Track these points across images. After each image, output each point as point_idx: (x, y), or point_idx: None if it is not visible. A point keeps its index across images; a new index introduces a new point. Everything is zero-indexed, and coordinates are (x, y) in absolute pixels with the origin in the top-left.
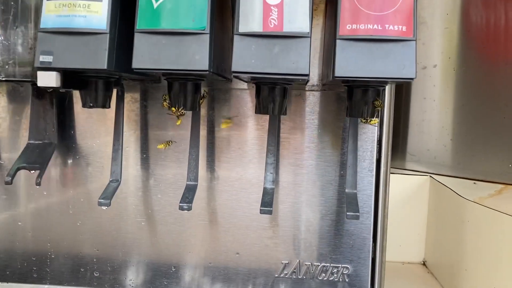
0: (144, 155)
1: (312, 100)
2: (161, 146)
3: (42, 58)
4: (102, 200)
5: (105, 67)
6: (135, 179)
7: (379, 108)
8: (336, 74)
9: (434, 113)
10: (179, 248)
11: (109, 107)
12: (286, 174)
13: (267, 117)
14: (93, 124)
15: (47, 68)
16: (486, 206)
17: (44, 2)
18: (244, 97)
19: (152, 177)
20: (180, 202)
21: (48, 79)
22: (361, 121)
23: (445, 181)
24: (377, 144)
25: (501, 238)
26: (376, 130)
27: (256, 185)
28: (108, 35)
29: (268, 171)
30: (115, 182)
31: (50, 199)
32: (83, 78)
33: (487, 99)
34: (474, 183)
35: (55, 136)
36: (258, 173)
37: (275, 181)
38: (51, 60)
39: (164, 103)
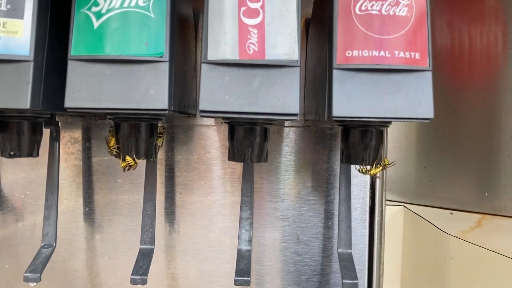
0: (87, 209)
1: (292, 138)
2: (123, 165)
3: None
4: (29, 275)
5: (27, 106)
6: (75, 238)
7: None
8: (334, 113)
9: (405, 139)
10: None
11: (37, 155)
12: (263, 228)
13: None
14: (21, 171)
15: None
16: (471, 243)
17: None
18: (211, 135)
19: (97, 234)
20: (132, 274)
21: None
22: (360, 171)
23: (420, 211)
24: (370, 189)
25: (490, 277)
26: None
27: (226, 243)
28: (32, 63)
29: (243, 228)
30: (48, 247)
31: None
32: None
33: (459, 125)
34: (451, 213)
35: None
36: (229, 227)
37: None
38: None
39: (111, 148)
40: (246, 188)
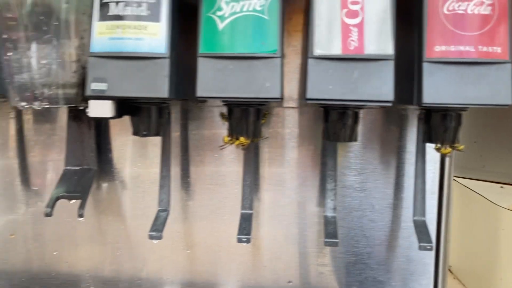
0: (188, 179)
1: (369, 119)
2: (236, 143)
3: (94, 85)
4: (153, 233)
5: (166, 95)
6: (178, 205)
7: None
8: (425, 101)
9: None
10: (228, 277)
11: (163, 135)
12: (342, 198)
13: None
14: (132, 148)
15: (99, 96)
16: None
17: (95, 23)
18: (295, 116)
19: (196, 201)
20: (238, 234)
21: (101, 109)
22: (437, 149)
23: (471, 185)
24: (440, 165)
25: None
26: None
27: (310, 210)
28: (168, 59)
29: (328, 198)
30: (164, 211)
31: (87, 227)
32: (134, 104)
33: None
34: (502, 186)
35: (94, 161)
36: (312, 196)
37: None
38: (104, 88)
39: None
40: (331, 163)
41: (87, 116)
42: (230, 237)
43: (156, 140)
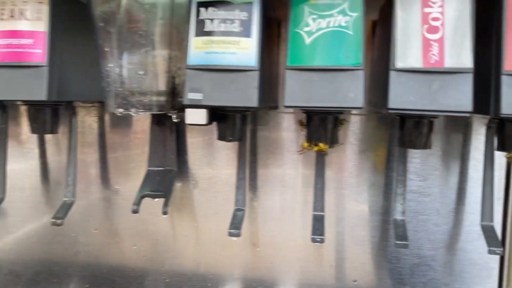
0: (254, 182)
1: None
2: (315, 149)
3: (191, 95)
4: (232, 231)
5: (256, 104)
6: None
7: None
8: (503, 111)
9: None
10: (295, 275)
11: (245, 140)
12: (408, 202)
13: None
14: (207, 150)
15: (194, 105)
16: None
17: (191, 39)
18: (360, 123)
19: (263, 203)
20: (313, 235)
21: (197, 117)
22: (506, 156)
23: None
24: (506, 172)
25: None
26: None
27: (372, 213)
28: (258, 72)
29: (398, 202)
30: (240, 211)
31: (164, 224)
32: (221, 112)
33: None
34: None
35: (175, 163)
36: (377, 200)
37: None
38: (200, 98)
39: (305, 144)
40: (401, 169)
41: (169, 121)
42: (296, 237)
43: (228, 144)
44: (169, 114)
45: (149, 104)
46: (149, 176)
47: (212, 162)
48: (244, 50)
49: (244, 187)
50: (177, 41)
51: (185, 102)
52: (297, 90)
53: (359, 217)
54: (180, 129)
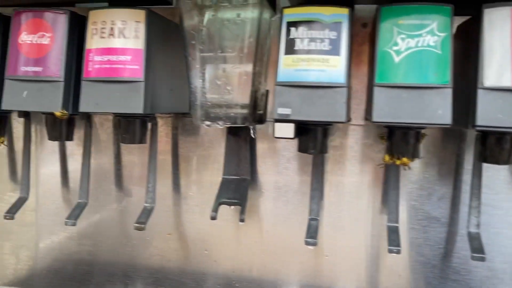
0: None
1: None
2: (398, 162)
3: (280, 110)
4: (309, 240)
5: (344, 120)
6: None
7: None
8: None
9: None
10: (363, 284)
11: (327, 152)
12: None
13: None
14: (277, 160)
15: (283, 119)
16: None
17: (281, 57)
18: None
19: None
20: (389, 245)
21: (285, 131)
22: None
23: None
24: None
25: None
26: None
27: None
28: (346, 88)
29: (472, 215)
30: (315, 220)
31: (234, 230)
32: (303, 126)
33: None
34: None
35: (248, 172)
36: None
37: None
38: (289, 113)
39: (386, 157)
40: (476, 182)
41: (244, 131)
42: (366, 247)
43: (298, 155)
44: (251, 127)
45: (234, 117)
46: (224, 184)
47: (282, 171)
48: (333, 68)
49: (318, 196)
50: (260, 56)
51: (274, 116)
52: (386, 107)
53: (427, 229)
54: (252, 140)
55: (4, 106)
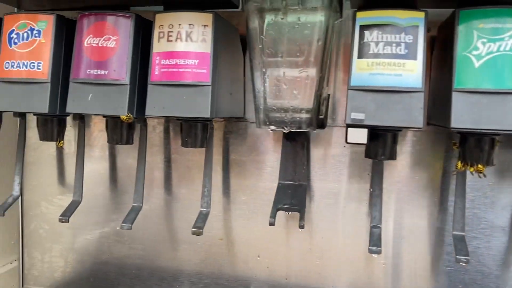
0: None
1: None
2: (471, 170)
3: (354, 115)
4: (373, 248)
5: (421, 125)
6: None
7: None
8: None
9: None
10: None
11: (395, 158)
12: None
13: None
14: (331, 165)
15: (355, 125)
16: None
17: (354, 60)
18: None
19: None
20: (457, 255)
21: (358, 137)
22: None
23: None
24: None
25: None
26: None
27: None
28: (423, 93)
29: None
30: (377, 228)
31: (284, 236)
32: (374, 131)
33: None
34: None
35: (305, 177)
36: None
37: None
38: (363, 118)
39: (459, 164)
40: None
41: (301, 136)
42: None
43: (352, 160)
44: (314, 131)
45: (299, 121)
46: (281, 190)
47: (337, 177)
48: (409, 72)
49: (380, 204)
50: (325, 60)
51: (347, 121)
52: (464, 112)
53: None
54: (308, 145)
55: (69, 110)
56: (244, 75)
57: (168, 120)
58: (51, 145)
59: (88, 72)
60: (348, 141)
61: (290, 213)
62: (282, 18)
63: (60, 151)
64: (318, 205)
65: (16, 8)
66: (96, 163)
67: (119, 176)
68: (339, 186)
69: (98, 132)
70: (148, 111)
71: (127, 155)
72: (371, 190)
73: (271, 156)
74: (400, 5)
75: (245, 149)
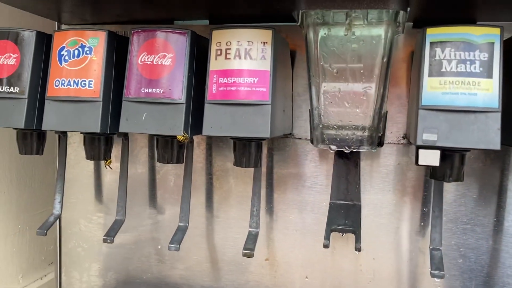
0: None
1: None
2: None
3: (426, 136)
4: (435, 272)
5: (498, 147)
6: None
7: None
8: None
9: None
10: None
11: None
12: None
13: None
14: (383, 183)
15: (426, 146)
16: None
17: (425, 79)
18: None
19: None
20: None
21: (430, 158)
22: None
23: None
24: None
25: None
26: None
27: None
28: (500, 113)
29: None
30: (437, 250)
31: (337, 259)
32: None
33: None
34: None
35: (358, 197)
36: None
37: None
38: (435, 139)
39: None
40: None
41: (354, 155)
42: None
43: (404, 179)
44: (374, 150)
45: (360, 140)
46: (333, 210)
47: (391, 196)
48: (485, 91)
49: (440, 225)
50: (385, 77)
51: (418, 142)
52: None
53: None
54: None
55: (122, 129)
56: (292, 90)
57: (211, 136)
58: (90, 162)
59: (142, 91)
60: (420, 163)
61: (343, 234)
62: (345, 34)
63: (98, 167)
64: (370, 225)
65: (56, 23)
66: (136, 180)
67: (159, 194)
68: (391, 205)
69: (140, 148)
70: (206, 131)
71: (168, 172)
72: (425, 210)
73: (319, 174)
74: (459, 21)
75: (292, 166)
